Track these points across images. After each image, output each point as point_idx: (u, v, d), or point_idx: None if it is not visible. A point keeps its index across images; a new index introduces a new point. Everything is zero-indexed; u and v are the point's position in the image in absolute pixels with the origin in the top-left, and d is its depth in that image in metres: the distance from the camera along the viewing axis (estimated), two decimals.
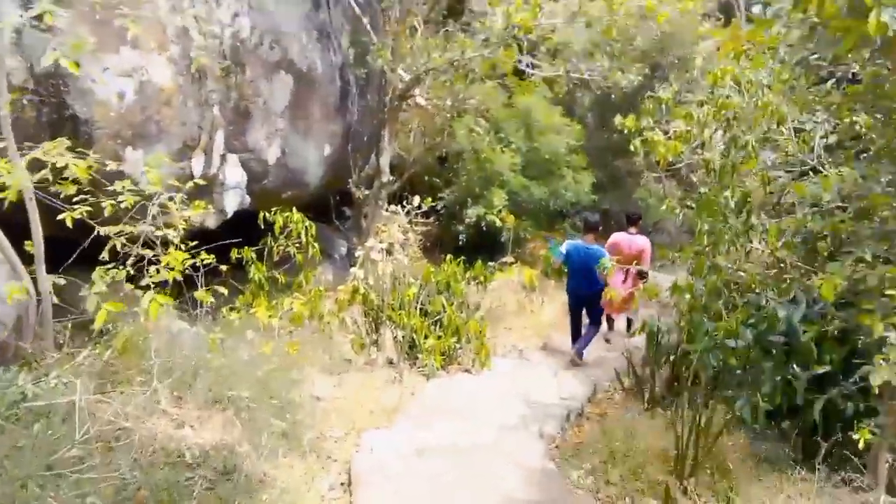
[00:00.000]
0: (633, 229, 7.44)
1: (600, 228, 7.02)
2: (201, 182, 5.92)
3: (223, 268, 5.45)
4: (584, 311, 7.06)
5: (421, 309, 6.47)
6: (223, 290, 5.34)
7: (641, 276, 7.48)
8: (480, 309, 7.14)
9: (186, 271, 4.60)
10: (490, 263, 8.07)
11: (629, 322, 7.79)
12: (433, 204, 9.03)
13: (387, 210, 6.75)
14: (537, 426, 4.94)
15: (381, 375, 5.82)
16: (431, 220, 9.78)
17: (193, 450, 3.86)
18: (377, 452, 4.38)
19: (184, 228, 5.12)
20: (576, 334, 7.08)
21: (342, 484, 4.23)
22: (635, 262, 6.77)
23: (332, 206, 10.01)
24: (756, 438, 4.30)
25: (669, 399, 5.16)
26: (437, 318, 6.49)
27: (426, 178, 11.31)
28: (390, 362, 6.11)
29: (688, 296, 4.67)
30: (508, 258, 8.63)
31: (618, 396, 5.98)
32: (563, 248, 6.88)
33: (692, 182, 12.63)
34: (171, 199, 4.88)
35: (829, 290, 3.25)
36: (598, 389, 6.05)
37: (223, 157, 6.76)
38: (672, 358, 5.13)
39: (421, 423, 4.99)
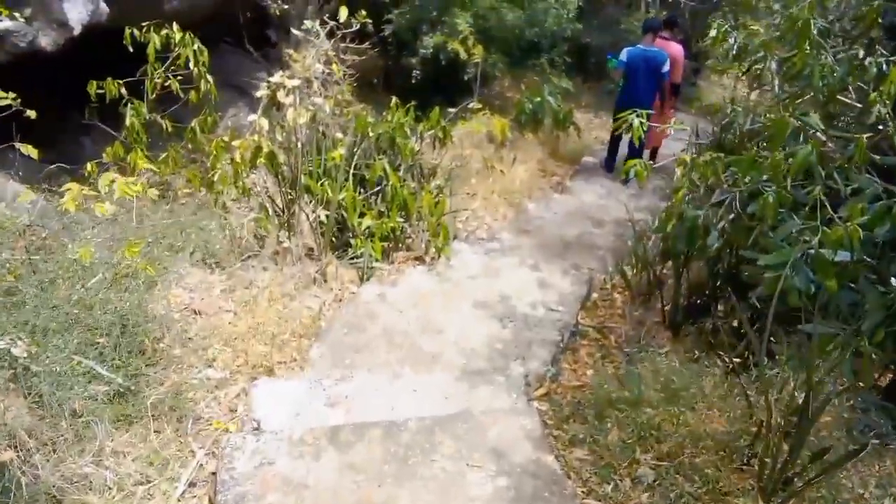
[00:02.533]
0: (666, 33, 6.52)
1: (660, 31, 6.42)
2: None
3: (30, 114, 3.46)
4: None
5: (354, 175, 4.62)
6: (28, 150, 3.44)
7: (673, 89, 6.53)
8: (437, 175, 5.32)
9: None
10: (450, 109, 6.11)
11: (654, 152, 6.94)
12: (378, 27, 6.85)
13: (300, 30, 4.61)
14: (519, 364, 3.36)
15: (296, 272, 4.10)
16: (372, 47, 7.50)
17: None
18: (267, 434, 2.72)
19: None
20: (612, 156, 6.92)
21: (212, 475, 2.64)
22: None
23: (246, 27, 7.63)
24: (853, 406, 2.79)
25: (699, 319, 3.64)
26: (378, 188, 4.68)
27: None
28: (310, 252, 4.36)
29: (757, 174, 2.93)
30: (474, 103, 6.61)
31: (619, 298, 4.46)
32: (623, 56, 6.30)
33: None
34: None
35: None
36: (592, 286, 4.50)
37: None
38: (716, 267, 3.50)
39: (346, 360, 3.36)
